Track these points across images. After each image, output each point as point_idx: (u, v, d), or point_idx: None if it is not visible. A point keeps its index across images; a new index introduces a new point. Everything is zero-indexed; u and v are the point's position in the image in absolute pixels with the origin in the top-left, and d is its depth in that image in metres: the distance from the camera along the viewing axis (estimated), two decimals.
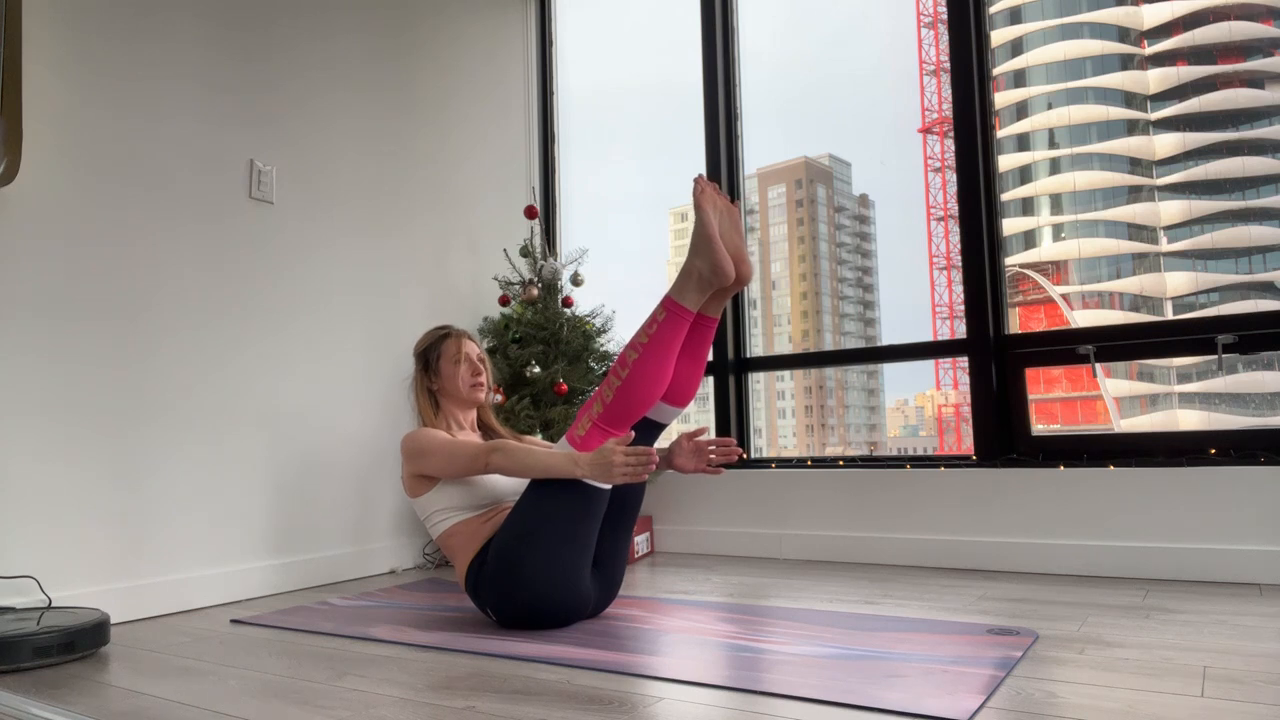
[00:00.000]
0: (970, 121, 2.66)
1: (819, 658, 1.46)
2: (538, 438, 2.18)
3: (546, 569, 1.72)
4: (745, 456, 2.01)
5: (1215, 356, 2.31)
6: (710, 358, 3.14)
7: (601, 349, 2.87)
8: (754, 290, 3.26)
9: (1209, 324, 2.32)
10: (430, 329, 2.19)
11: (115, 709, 1.30)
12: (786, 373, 3.51)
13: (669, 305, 1.75)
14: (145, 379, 2.11)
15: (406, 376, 2.85)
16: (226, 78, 2.36)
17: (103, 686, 1.43)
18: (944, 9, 2.73)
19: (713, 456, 1.96)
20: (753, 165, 3.23)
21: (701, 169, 3.19)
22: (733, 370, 3.10)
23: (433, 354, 2.08)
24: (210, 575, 2.20)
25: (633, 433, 1.73)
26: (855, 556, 2.64)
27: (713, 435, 3.09)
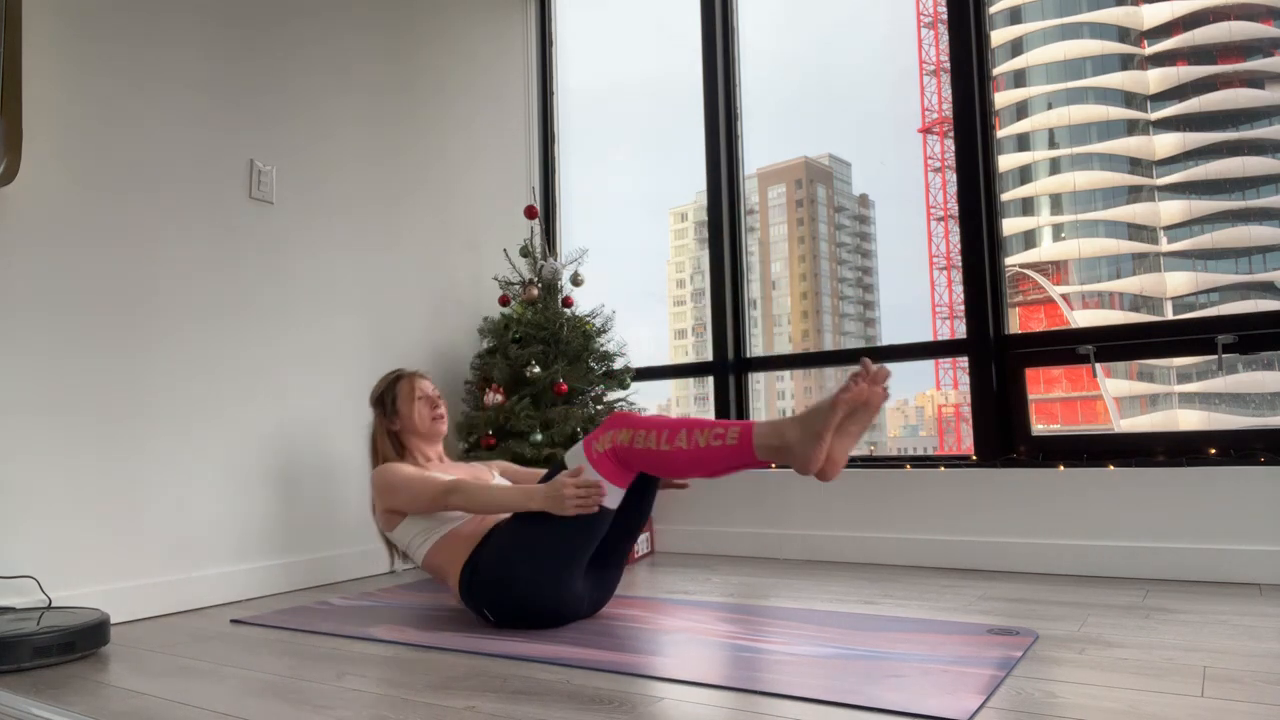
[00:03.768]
0: (970, 121, 2.66)
1: (819, 658, 1.46)
2: (493, 472, 2.19)
3: (538, 574, 1.73)
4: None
5: (1215, 356, 2.31)
6: (710, 357, 3.14)
7: (601, 349, 2.87)
8: (754, 290, 3.26)
9: (1209, 324, 2.32)
10: (382, 376, 2.25)
11: (115, 709, 1.30)
12: (786, 373, 3.51)
13: (743, 439, 1.62)
14: (145, 378, 2.11)
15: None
16: (226, 77, 2.36)
17: (103, 686, 1.43)
18: (944, 9, 2.73)
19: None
20: (753, 165, 3.23)
21: (701, 169, 3.19)
22: (733, 370, 3.10)
23: (389, 396, 2.17)
24: (210, 575, 2.20)
25: (585, 467, 1.72)
26: (855, 556, 2.64)
27: None
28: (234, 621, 1.96)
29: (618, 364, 2.89)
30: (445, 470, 2.10)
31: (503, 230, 3.32)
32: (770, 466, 1.69)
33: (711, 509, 2.92)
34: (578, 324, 2.86)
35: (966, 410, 2.63)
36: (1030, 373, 2.58)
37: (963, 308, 2.65)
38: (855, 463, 2.76)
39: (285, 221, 2.50)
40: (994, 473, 2.46)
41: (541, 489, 1.72)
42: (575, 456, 1.76)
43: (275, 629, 1.87)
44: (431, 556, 1.93)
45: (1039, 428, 2.55)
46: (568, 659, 1.50)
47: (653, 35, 3.66)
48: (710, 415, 3.16)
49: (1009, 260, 2.80)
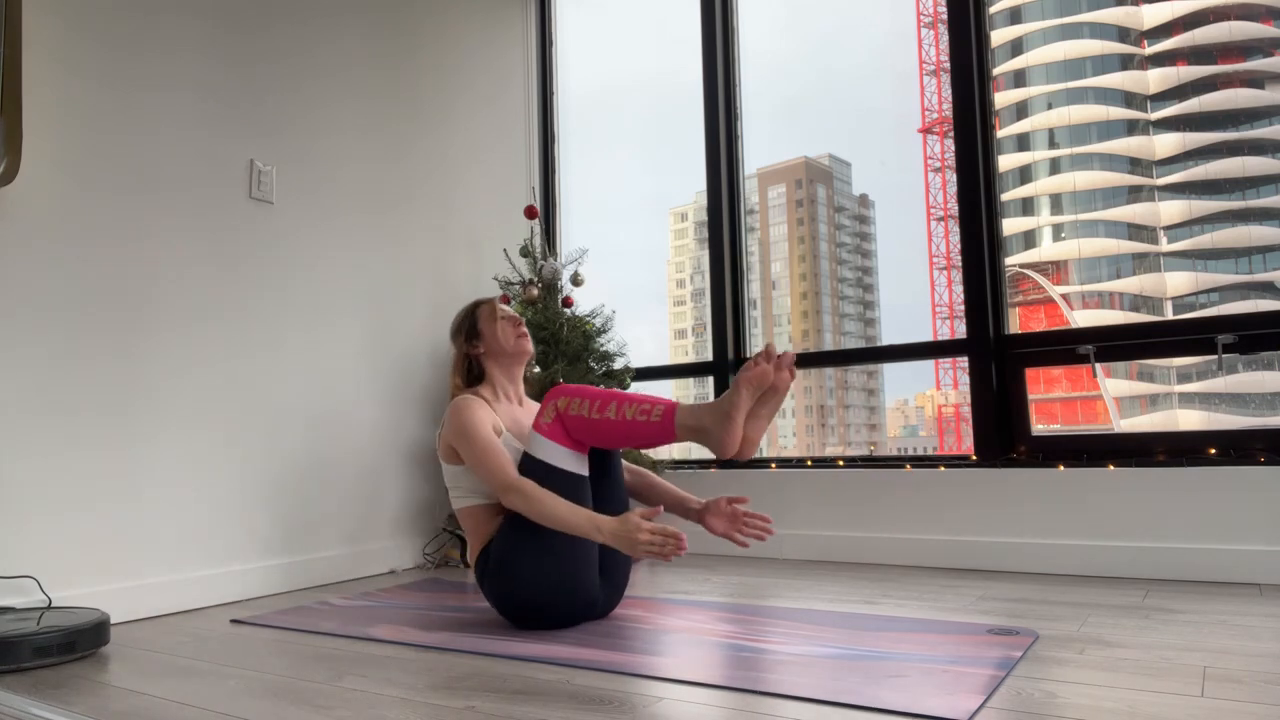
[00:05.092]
0: (970, 121, 2.66)
1: (819, 658, 1.46)
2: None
3: (545, 571, 1.73)
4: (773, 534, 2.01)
5: (1215, 356, 2.31)
6: (710, 357, 3.14)
7: (601, 349, 2.87)
8: (754, 290, 3.26)
9: (1209, 324, 2.32)
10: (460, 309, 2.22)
11: (115, 709, 1.30)
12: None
13: (665, 418, 1.69)
14: (145, 378, 2.11)
15: (406, 375, 2.85)
16: (226, 77, 2.36)
17: (103, 686, 1.43)
18: (944, 9, 2.73)
19: (744, 528, 1.92)
20: (753, 165, 3.23)
21: (701, 169, 3.19)
22: (733, 370, 3.10)
23: (468, 322, 2.09)
24: (210, 575, 2.20)
25: (661, 509, 1.73)
26: (855, 556, 2.64)
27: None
28: (234, 621, 1.96)
29: (618, 364, 2.89)
30: (521, 422, 2.02)
31: (503, 230, 3.32)
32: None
33: None
34: (578, 324, 2.86)
35: (966, 410, 2.63)
36: (1030, 373, 2.58)
37: (963, 308, 2.65)
38: (855, 463, 2.76)
39: (285, 221, 2.50)
40: (994, 473, 2.46)
41: (612, 523, 1.67)
42: (533, 440, 1.79)
43: (275, 629, 1.87)
44: (464, 515, 1.92)
45: (1039, 428, 2.55)
46: (568, 659, 1.50)
47: (653, 35, 3.66)
48: None
49: (1009, 260, 2.81)
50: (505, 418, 1.98)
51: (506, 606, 1.78)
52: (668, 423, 1.69)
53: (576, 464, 1.77)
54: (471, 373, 2.09)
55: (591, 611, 1.82)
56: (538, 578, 1.73)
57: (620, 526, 1.65)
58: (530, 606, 1.75)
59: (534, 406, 2.14)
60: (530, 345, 2.10)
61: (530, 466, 1.77)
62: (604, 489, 1.86)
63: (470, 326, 2.08)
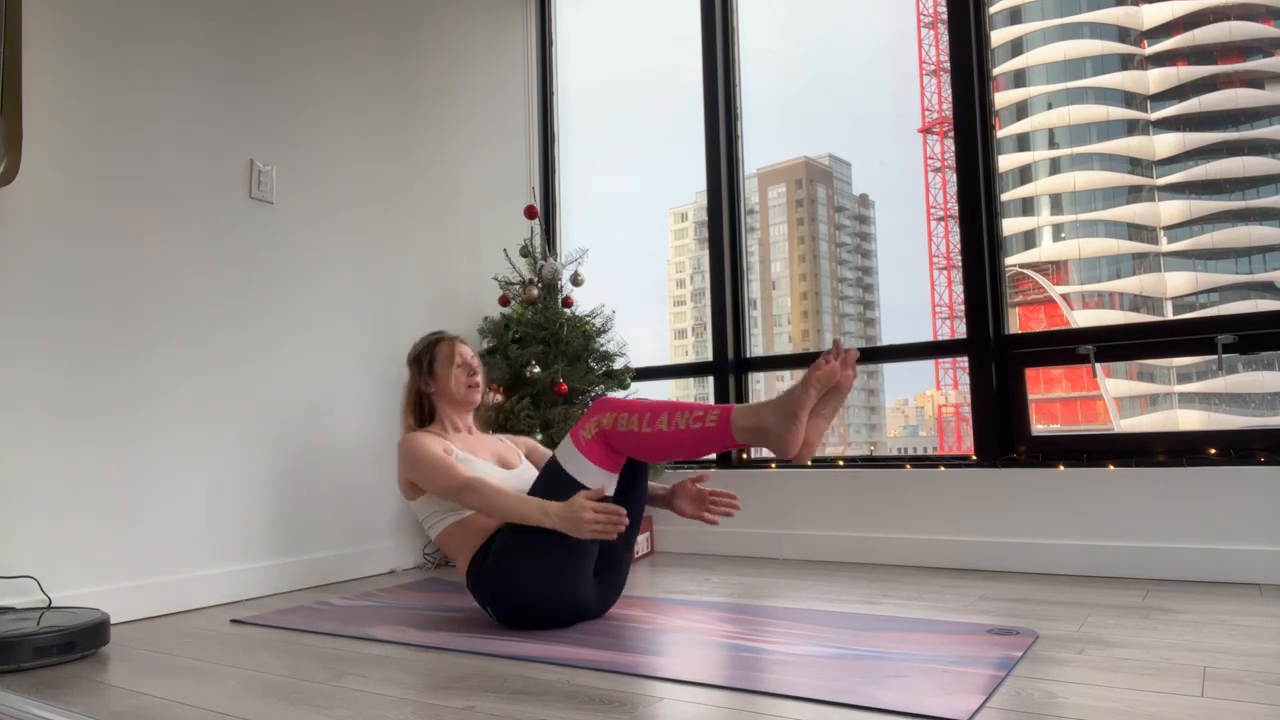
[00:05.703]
0: (970, 121, 2.66)
1: (819, 658, 1.46)
2: (519, 453, 2.17)
3: (545, 573, 1.73)
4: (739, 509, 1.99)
5: (1215, 356, 2.31)
6: (710, 357, 3.14)
7: (601, 349, 2.87)
8: (754, 290, 3.26)
9: (1209, 324, 2.32)
10: (424, 335, 2.21)
11: (115, 709, 1.30)
12: (786, 372, 3.51)
13: (722, 422, 1.64)
14: (145, 378, 2.11)
15: (406, 375, 2.85)
16: (227, 77, 2.36)
17: (103, 686, 1.43)
18: (944, 9, 2.73)
19: (712, 507, 1.93)
20: (753, 165, 3.23)
21: (701, 169, 3.19)
22: (733, 370, 3.10)
23: (427, 357, 2.11)
24: (210, 575, 2.20)
25: (606, 489, 1.72)
26: (855, 556, 2.64)
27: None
28: (234, 621, 1.96)
29: (618, 364, 2.89)
30: (474, 445, 2.05)
31: (503, 230, 3.32)
32: (747, 451, 1.70)
33: None
34: (578, 324, 2.85)
35: (966, 410, 2.63)
36: (1030, 373, 2.58)
37: (963, 308, 2.66)
38: (855, 462, 2.76)
39: (285, 221, 2.50)
40: (994, 473, 2.46)
41: (557, 507, 1.69)
42: (566, 450, 1.76)
43: (275, 629, 1.87)
44: (444, 539, 1.92)
45: (1039, 428, 2.55)
46: (568, 659, 1.50)
47: (653, 35, 3.66)
48: None
49: (1009, 260, 2.81)
50: (457, 443, 2.02)
51: (501, 609, 1.78)
52: (724, 426, 1.64)
53: (605, 484, 1.75)
54: (422, 411, 2.13)
55: (586, 613, 1.82)
56: (539, 577, 1.73)
57: (566, 509, 1.67)
58: (531, 606, 1.75)
59: (484, 436, 2.15)
60: (479, 396, 2.12)
61: (555, 475, 1.76)
62: (630, 507, 1.83)
63: (428, 363, 2.10)
